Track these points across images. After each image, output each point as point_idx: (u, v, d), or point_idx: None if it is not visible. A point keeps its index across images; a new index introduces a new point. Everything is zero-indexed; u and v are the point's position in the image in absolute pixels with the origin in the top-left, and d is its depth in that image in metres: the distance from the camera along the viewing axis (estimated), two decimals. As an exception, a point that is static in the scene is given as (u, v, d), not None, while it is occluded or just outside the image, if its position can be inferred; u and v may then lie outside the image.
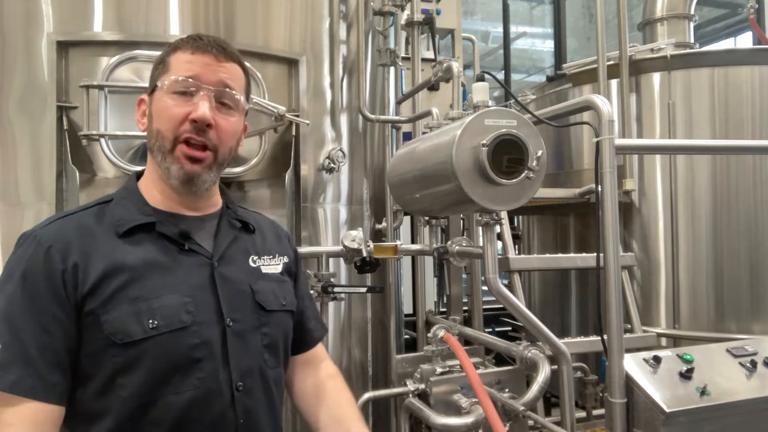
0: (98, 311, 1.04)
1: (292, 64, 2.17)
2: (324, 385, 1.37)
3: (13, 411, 0.98)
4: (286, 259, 1.33)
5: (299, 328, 1.36)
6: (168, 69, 1.14)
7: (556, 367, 1.95)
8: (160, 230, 1.14)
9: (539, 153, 1.62)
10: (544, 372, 1.91)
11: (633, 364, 1.86)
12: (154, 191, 1.19)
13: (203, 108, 1.10)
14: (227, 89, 1.14)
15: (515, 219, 4.63)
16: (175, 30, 1.96)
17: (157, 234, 1.14)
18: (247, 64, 1.24)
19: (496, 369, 2.21)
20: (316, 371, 1.40)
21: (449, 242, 2.25)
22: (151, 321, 1.05)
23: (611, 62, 3.06)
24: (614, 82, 3.13)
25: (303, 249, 2.10)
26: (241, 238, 1.26)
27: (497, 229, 2.02)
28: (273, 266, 1.29)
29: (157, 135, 1.13)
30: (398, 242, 2.46)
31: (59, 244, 1.07)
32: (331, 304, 2.23)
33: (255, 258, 1.26)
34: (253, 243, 1.28)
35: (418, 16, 2.83)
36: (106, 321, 1.03)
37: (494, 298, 1.97)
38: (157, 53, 1.86)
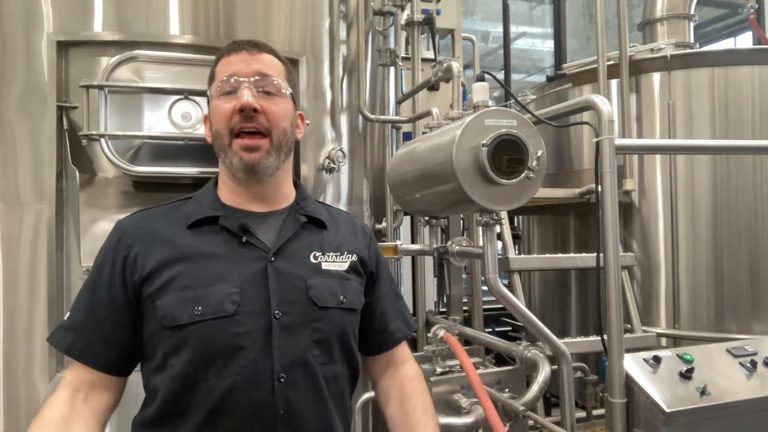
0: (154, 296, 1.15)
1: (291, 64, 2.17)
2: (403, 387, 1.38)
3: (71, 369, 1.18)
4: (354, 258, 1.32)
5: (379, 328, 1.38)
6: (214, 78, 1.24)
7: (556, 367, 1.95)
8: (222, 223, 1.22)
9: (539, 153, 1.62)
10: (544, 372, 1.91)
11: (633, 364, 1.86)
12: (224, 189, 1.28)
13: (246, 96, 1.17)
14: (266, 76, 1.21)
15: (515, 219, 4.64)
16: (175, 30, 1.96)
17: (220, 227, 1.22)
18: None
19: (496, 369, 2.21)
20: (397, 371, 1.41)
21: (449, 242, 2.25)
22: (196, 308, 1.13)
23: (611, 62, 3.06)
24: (614, 82, 3.13)
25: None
26: (306, 233, 1.29)
27: (497, 229, 2.02)
28: (337, 263, 1.29)
29: (216, 136, 1.23)
30: (398, 242, 2.47)
31: (129, 234, 1.20)
32: (331, 304, 2.22)
33: (317, 254, 1.27)
34: (319, 239, 1.30)
35: (418, 16, 2.83)
36: (160, 306, 1.14)
37: (494, 298, 1.97)
38: (158, 53, 1.90)
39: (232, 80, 1.19)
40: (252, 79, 1.19)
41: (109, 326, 1.16)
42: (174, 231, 1.20)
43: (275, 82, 1.22)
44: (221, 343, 1.12)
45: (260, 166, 1.20)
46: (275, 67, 1.24)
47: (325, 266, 1.27)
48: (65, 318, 1.19)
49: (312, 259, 1.26)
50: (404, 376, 1.39)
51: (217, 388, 1.12)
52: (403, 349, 1.45)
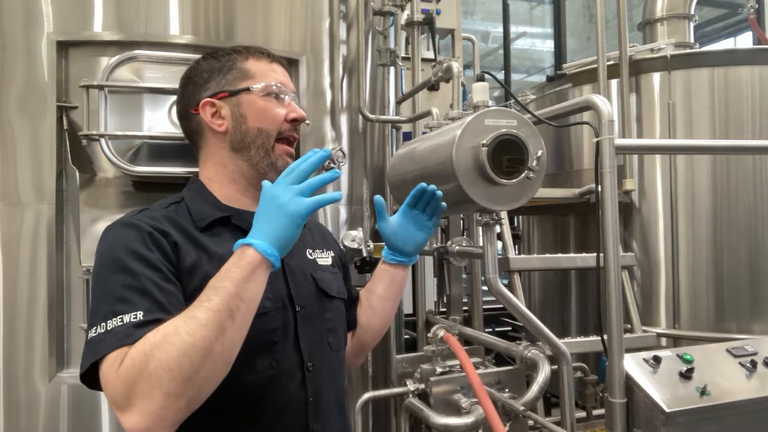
0: (190, 296, 1.06)
1: (292, 64, 2.17)
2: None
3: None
4: (332, 253, 1.44)
5: (351, 303, 1.49)
6: (251, 75, 1.26)
7: (556, 367, 1.95)
8: (236, 223, 1.23)
9: (539, 153, 1.62)
10: (544, 372, 1.91)
11: (633, 364, 1.86)
12: (227, 189, 1.27)
13: (300, 110, 1.29)
14: (296, 95, 1.33)
15: (515, 219, 4.63)
16: (175, 30, 1.96)
17: (234, 227, 1.23)
18: None
19: (496, 369, 2.21)
20: None
21: (449, 242, 2.25)
22: None
23: (611, 62, 3.05)
24: (614, 82, 3.12)
25: (303, 249, 2.10)
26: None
27: (497, 229, 2.02)
28: (324, 259, 1.40)
29: (258, 133, 1.24)
30: (398, 242, 2.45)
31: (158, 229, 1.11)
32: (331, 304, 2.23)
33: (310, 251, 1.37)
34: (305, 238, 1.38)
35: (418, 16, 2.83)
36: None
37: (494, 298, 1.97)
38: (158, 53, 1.90)
39: (282, 88, 1.27)
40: (294, 94, 1.31)
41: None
42: (192, 231, 1.18)
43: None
44: (259, 339, 1.14)
45: None
46: None
47: (320, 262, 1.37)
48: (134, 318, 0.98)
49: (309, 256, 1.35)
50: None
51: (254, 384, 1.13)
52: None
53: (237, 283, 0.97)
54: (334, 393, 1.29)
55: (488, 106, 1.75)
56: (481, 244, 1.90)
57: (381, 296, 1.49)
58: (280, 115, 1.26)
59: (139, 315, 0.98)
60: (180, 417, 0.93)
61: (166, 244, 1.10)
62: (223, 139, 1.26)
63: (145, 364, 0.90)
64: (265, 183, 1.08)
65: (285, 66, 1.35)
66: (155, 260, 1.07)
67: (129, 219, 1.16)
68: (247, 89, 1.25)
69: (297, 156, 1.75)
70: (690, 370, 1.86)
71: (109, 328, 0.97)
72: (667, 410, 1.74)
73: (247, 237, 1.03)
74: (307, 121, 2.09)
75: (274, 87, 1.27)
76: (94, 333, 0.98)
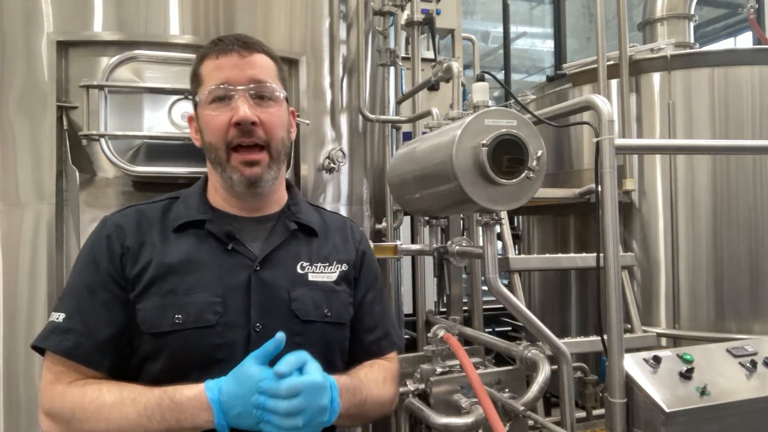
0: (136, 299, 1.11)
1: (291, 64, 2.17)
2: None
3: (67, 373, 1.09)
4: (344, 267, 1.27)
5: (352, 337, 1.30)
6: (202, 81, 1.17)
7: (556, 367, 1.95)
8: (208, 228, 1.17)
9: (539, 153, 1.62)
10: (544, 372, 1.91)
11: (633, 364, 1.86)
12: (215, 194, 1.23)
13: (243, 109, 1.11)
14: (260, 83, 1.15)
15: (515, 219, 4.63)
16: (175, 30, 1.96)
17: (207, 232, 1.17)
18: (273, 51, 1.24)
19: (496, 369, 2.21)
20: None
21: (449, 242, 2.25)
22: (177, 316, 1.09)
23: (611, 62, 3.05)
24: (614, 82, 3.12)
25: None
26: (294, 242, 1.24)
27: (497, 229, 2.01)
28: (325, 275, 1.24)
29: (210, 148, 1.17)
30: (398, 242, 2.46)
31: (119, 231, 1.15)
32: (331, 304, 2.22)
33: (305, 264, 1.22)
34: (308, 248, 1.25)
35: (418, 16, 2.82)
36: (140, 310, 1.10)
37: (494, 298, 1.97)
38: (157, 53, 1.90)
39: (224, 88, 1.13)
40: (244, 87, 1.13)
41: (119, 326, 1.11)
42: (161, 232, 1.16)
43: (269, 87, 1.16)
44: (199, 354, 1.09)
45: (261, 181, 1.17)
46: (268, 70, 1.18)
47: (312, 277, 1.22)
48: (57, 318, 1.10)
49: (299, 270, 1.22)
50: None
51: None
52: (382, 361, 1.36)
53: (181, 425, 1.02)
54: None
55: (488, 106, 1.75)
56: (481, 244, 1.90)
57: None
58: (222, 123, 1.12)
59: (61, 317, 1.09)
60: None
61: (118, 249, 1.13)
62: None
63: (68, 417, 1.04)
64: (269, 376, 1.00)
65: (244, 50, 1.15)
66: (103, 265, 1.12)
67: (107, 216, 1.20)
68: (196, 101, 1.19)
69: (296, 159, 1.65)
70: (690, 370, 1.86)
71: (49, 320, 1.11)
72: (667, 410, 1.74)
73: (216, 393, 1.01)
74: (307, 122, 2.08)
75: (210, 92, 1.13)
76: (49, 318, 1.12)
